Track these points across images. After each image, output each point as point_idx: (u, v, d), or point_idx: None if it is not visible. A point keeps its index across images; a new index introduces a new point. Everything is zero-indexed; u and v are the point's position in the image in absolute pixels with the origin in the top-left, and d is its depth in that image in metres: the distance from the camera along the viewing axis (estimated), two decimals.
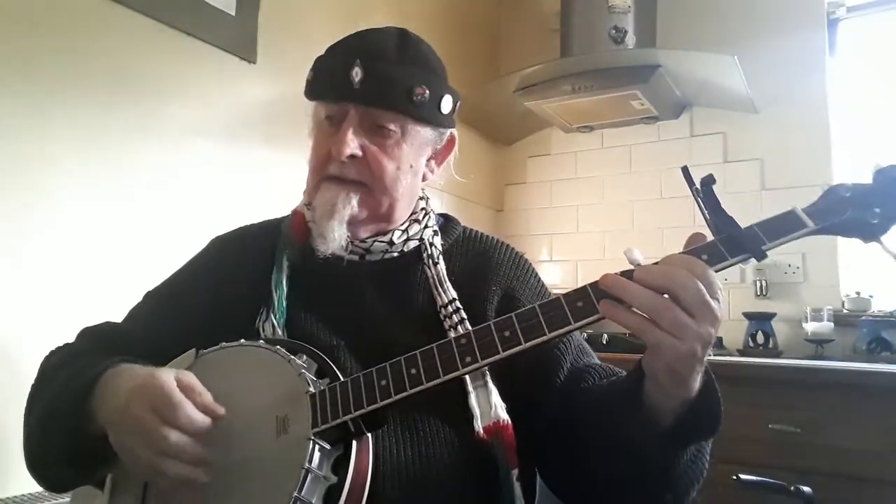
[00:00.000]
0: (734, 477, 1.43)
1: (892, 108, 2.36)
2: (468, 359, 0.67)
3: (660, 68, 2.25)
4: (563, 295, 0.66)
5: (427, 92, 0.84)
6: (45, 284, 1.31)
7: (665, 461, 0.69)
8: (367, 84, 0.82)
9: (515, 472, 0.76)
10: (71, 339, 0.92)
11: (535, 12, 2.94)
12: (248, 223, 1.00)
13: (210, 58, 1.68)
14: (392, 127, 0.84)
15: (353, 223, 0.86)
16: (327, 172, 0.85)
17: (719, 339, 2.32)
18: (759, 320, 2.27)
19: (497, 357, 0.66)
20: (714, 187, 0.69)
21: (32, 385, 0.85)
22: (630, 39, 2.37)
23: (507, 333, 0.66)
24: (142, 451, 0.67)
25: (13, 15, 1.29)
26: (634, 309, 0.62)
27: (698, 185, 0.70)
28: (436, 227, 0.95)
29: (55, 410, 0.76)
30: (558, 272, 2.81)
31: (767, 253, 0.66)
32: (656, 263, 0.64)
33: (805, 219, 0.68)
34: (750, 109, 2.44)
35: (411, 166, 0.88)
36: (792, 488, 1.39)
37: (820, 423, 1.64)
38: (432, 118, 0.87)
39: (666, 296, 0.61)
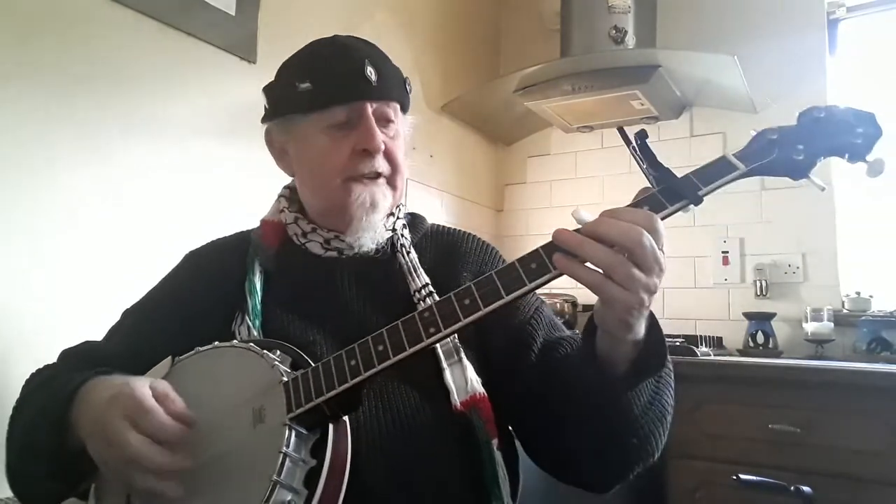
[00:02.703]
0: (734, 477, 1.43)
1: (892, 108, 2.37)
2: (432, 329, 0.68)
3: (660, 68, 2.25)
4: (518, 258, 0.68)
5: (409, 81, 0.94)
6: (42, 284, 1.31)
7: (621, 405, 0.72)
8: (382, 80, 0.88)
9: (495, 441, 0.79)
10: (72, 339, 0.93)
11: (535, 12, 2.93)
12: (219, 237, 1.04)
13: (210, 58, 1.68)
14: (393, 118, 0.91)
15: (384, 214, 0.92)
16: (356, 172, 0.88)
17: (719, 339, 2.32)
18: (759, 320, 2.27)
19: (459, 324, 0.67)
20: (648, 140, 0.73)
21: (14, 407, 0.86)
22: (630, 39, 2.37)
23: (466, 301, 0.68)
24: (114, 460, 0.68)
25: (13, 15, 1.29)
26: (588, 265, 0.64)
27: (634, 142, 0.73)
28: (405, 221, 1.00)
29: (37, 426, 0.77)
30: None
31: (704, 198, 0.69)
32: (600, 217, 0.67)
33: (736, 162, 0.71)
34: (750, 109, 2.44)
35: (405, 151, 0.95)
36: (792, 488, 1.39)
37: (820, 423, 1.64)
38: (408, 105, 0.96)
39: (614, 248, 0.63)
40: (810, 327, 2.16)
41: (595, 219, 0.66)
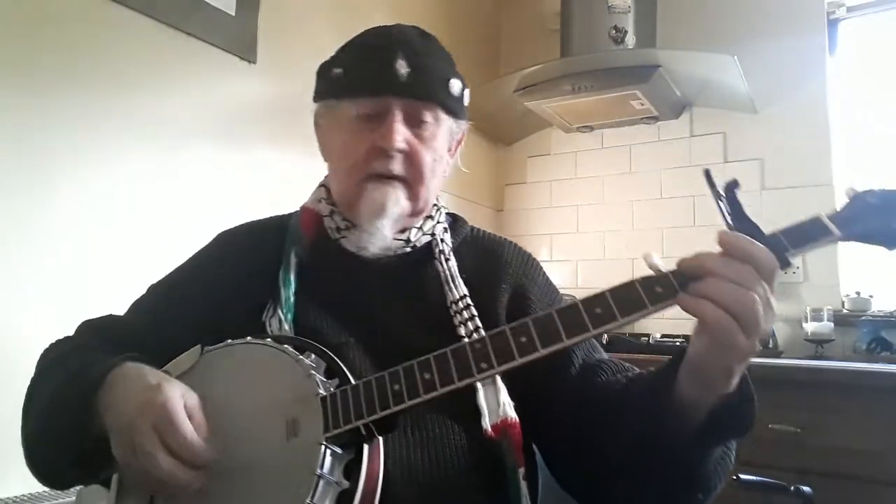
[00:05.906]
0: (734, 477, 1.43)
1: (892, 108, 2.36)
2: (483, 364, 0.64)
3: (660, 68, 2.25)
4: (581, 300, 0.64)
5: (458, 84, 0.87)
6: (43, 283, 1.31)
7: (698, 458, 0.67)
8: (414, 77, 0.81)
9: (521, 470, 0.75)
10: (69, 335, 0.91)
11: (535, 12, 2.94)
12: (254, 219, 0.99)
13: (210, 58, 1.68)
14: (429, 119, 0.85)
15: (397, 221, 0.85)
16: (371, 170, 0.83)
17: None
18: None
19: (514, 364, 0.64)
20: (737, 191, 0.67)
21: (32, 380, 0.83)
22: (630, 39, 2.37)
23: (523, 339, 0.64)
24: (139, 468, 0.66)
25: (13, 14, 1.29)
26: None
27: (721, 190, 0.68)
28: (446, 224, 0.94)
29: (58, 407, 0.74)
30: (558, 272, 2.80)
31: (791, 260, 0.65)
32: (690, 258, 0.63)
33: (830, 226, 0.66)
34: (750, 109, 2.44)
35: (442, 157, 0.89)
36: (792, 488, 1.39)
37: (820, 423, 1.64)
38: (459, 110, 0.89)
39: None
40: (810, 327, 2.16)
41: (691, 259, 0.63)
